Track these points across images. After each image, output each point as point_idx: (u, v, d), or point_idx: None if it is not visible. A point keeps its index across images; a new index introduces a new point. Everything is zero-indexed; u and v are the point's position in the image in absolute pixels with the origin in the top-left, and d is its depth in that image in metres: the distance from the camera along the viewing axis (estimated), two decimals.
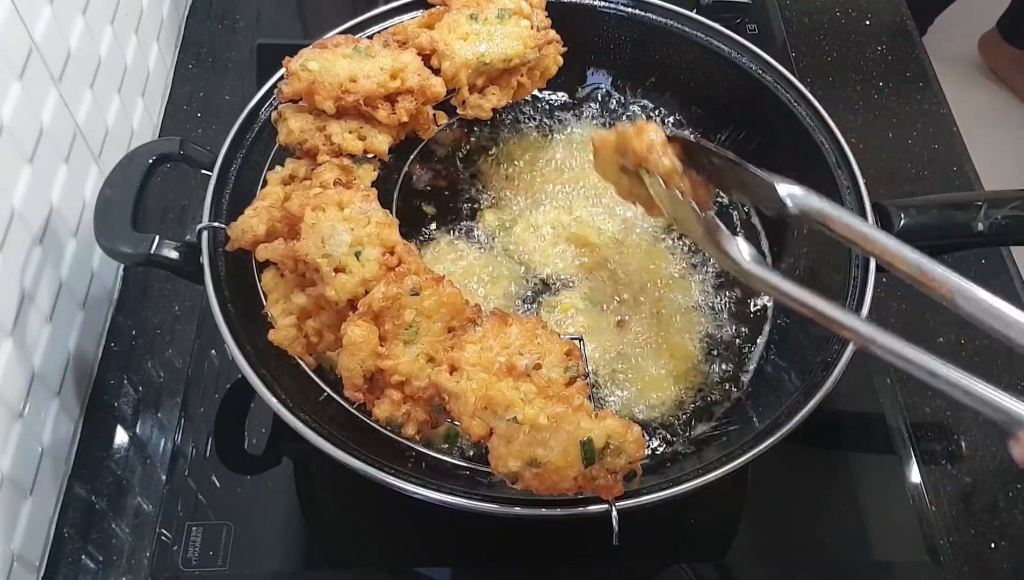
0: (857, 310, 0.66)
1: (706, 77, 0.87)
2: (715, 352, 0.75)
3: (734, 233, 0.82)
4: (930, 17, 1.97)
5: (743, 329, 0.77)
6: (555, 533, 0.71)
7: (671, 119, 0.91)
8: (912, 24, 1.14)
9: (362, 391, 0.62)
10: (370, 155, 0.72)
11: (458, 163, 0.87)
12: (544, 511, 0.57)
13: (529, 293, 0.78)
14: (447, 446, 0.69)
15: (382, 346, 0.61)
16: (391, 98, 0.71)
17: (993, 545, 0.72)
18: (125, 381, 0.80)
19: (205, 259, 0.67)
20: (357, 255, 0.62)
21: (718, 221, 0.63)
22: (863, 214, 0.71)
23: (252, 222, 0.66)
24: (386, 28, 0.80)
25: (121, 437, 0.77)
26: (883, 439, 0.78)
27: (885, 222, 0.70)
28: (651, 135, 0.65)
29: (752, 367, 0.75)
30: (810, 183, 0.78)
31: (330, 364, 0.68)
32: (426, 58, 0.74)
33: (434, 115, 0.75)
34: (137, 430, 0.77)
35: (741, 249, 0.61)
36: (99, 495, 0.74)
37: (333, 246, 0.62)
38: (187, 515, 0.72)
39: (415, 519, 0.70)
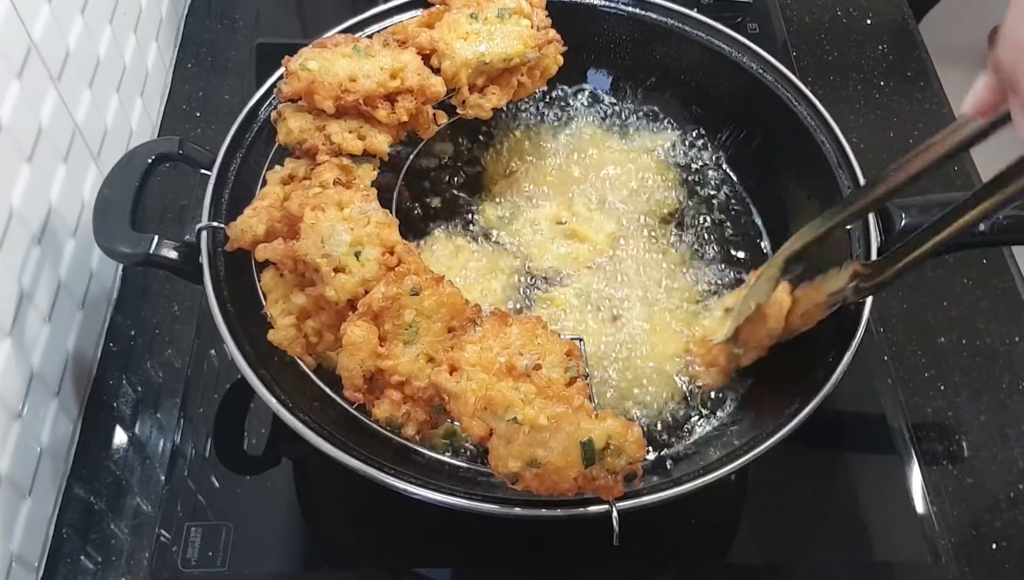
0: (858, 310, 0.66)
1: (707, 76, 0.87)
2: None
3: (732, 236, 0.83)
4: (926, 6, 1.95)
5: None
6: (555, 533, 0.71)
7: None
8: (913, 23, 1.14)
9: (362, 391, 0.62)
10: (370, 155, 0.72)
11: (459, 159, 0.87)
12: (544, 511, 0.57)
13: (524, 288, 0.78)
14: (447, 442, 0.69)
15: (382, 346, 0.61)
16: (391, 98, 0.71)
17: (994, 545, 0.72)
18: (124, 381, 0.80)
19: (204, 259, 0.67)
20: (357, 255, 0.62)
21: None
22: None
23: (251, 222, 0.66)
24: (386, 27, 0.80)
25: (120, 437, 0.77)
26: (884, 439, 0.78)
27: (886, 221, 0.70)
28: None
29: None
30: (811, 183, 0.79)
31: (330, 364, 0.68)
32: (426, 58, 0.74)
33: (434, 115, 0.75)
34: (136, 430, 0.77)
35: None
36: (98, 495, 0.74)
37: (333, 246, 0.61)
38: (186, 515, 0.71)
39: (415, 519, 0.70)
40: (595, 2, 0.87)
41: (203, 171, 0.73)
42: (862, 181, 0.73)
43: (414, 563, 0.71)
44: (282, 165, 0.72)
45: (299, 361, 0.66)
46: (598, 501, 0.56)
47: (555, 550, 0.71)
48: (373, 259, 0.62)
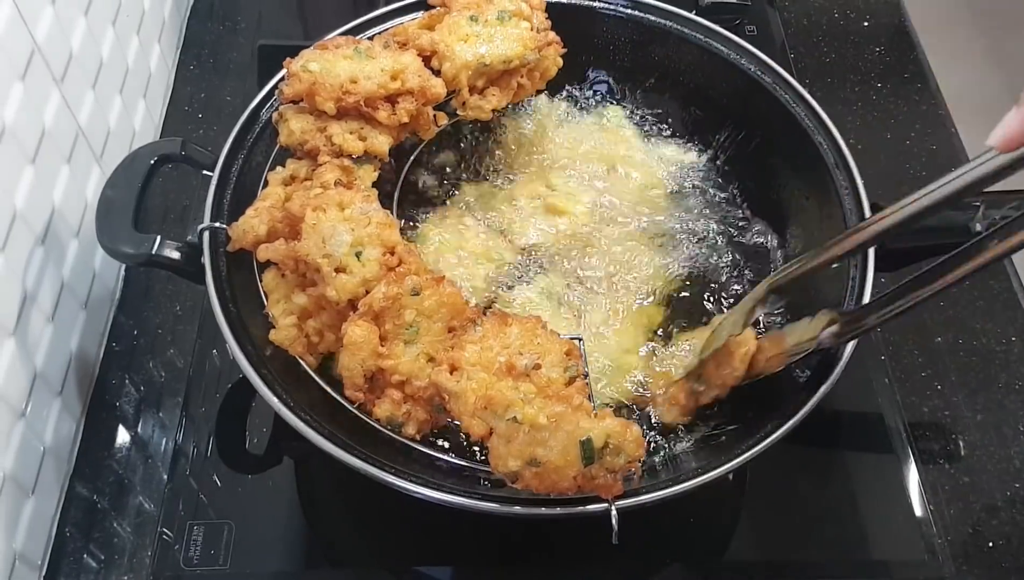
0: None
1: (705, 78, 0.87)
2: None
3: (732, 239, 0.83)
4: None
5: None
6: (555, 532, 0.71)
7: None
8: (911, 25, 1.14)
9: (363, 391, 0.62)
10: (371, 156, 0.72)
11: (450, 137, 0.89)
12: (544, 510, 0.58)
13: (503, 276, 0.79)
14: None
15: (382, 346, 0.61)
16: (391, 99, 0.72)
17: (991, 544, 0.72)
18: (127, 381, 0.80)
19: (206, 259, 0.67)
20: (358, 255, 0.62)
21: None
22: (861, 214, 0.71)
23: (253, 222, 0.67)
24: (387, 29, 0.81)
25: (123, 436, 0.77)
26: (881, 439, 0.78)
27: None
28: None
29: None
30: (809, 184, 0.79)
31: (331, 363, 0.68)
32: (427, 59, 0.75)
33: (434, 116, 0.75)
34: (139, 430, 0.78)
35: None
36: (101, 494, 0.74)
37: (334, 246, 0.62)
38: (188, 514, 0.72)
39: (415, 518, 0.70)
40: (594, 4, 0.88)
41: (205, 172, 0.73)
42: (859, 181, 0.73)
43: (415, 562, 0.71)
44: (284, 166, 0.72)
45: (300, 361, 0.67)
46: (597, 500, 0.57)
47: (555, 549, 0.71)
48: (374, 259, 0.63)
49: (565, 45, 0.81)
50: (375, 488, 0.58)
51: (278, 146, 0.74)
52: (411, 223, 0.83)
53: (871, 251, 0.69)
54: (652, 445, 0.69)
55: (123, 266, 0.88)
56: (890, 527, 0.73)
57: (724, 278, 0.80)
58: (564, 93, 0.92)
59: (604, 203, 0.83)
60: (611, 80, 0.92)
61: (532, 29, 0.78)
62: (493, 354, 0.60)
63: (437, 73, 0.74)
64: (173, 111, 1.02)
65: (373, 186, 0.71)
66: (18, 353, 0.67)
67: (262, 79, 0.95)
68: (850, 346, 0.64)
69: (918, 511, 0.74)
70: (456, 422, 0.59)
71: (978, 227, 0.69)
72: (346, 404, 0.65)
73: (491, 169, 0.87)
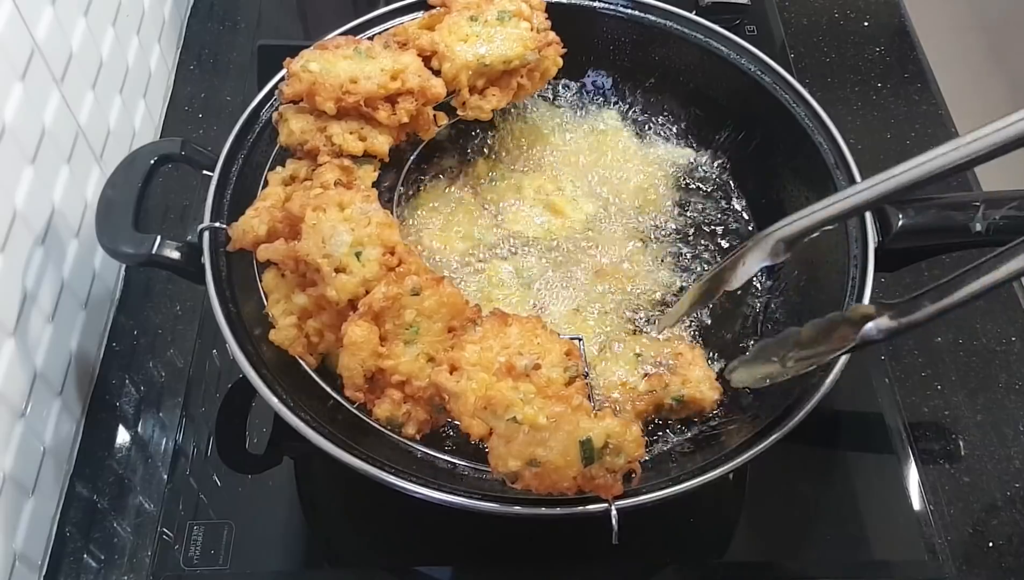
0: None
1: (705, 78, 0.87)
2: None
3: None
4: None
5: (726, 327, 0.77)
6: (555, 532, 0.71)
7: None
8: (911, 25, 1.14)
9: (363, 391, 0.62)
10: (371, 156, 0.72)
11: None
12: (544, 510, 0.58)
13: (484, 251, 0.80)
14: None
15: (382, 346, 0.61)
16: (391, 99, 0.72)
17: (991, 544, 0.72)
18: (127, 381, 0.80)
19: (206, 259, 0.67)
20: (358, 255, 0.62)
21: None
22: (861, 215, 0.71)
23: (253, 222, 0.67)
24: (387, 29, 0.81)
25: (123, 436, 0.77)
26: (881, 439, 0.78)
27: (883, 222, 0.71)
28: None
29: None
30: (808, 184, 0.79)
31: (331, 363, 0.68)
32: (427, 59, 0.75)
33: (434, 116, 0.75)
34: (139, 430, 0.78)
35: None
36: (101, 494, 0.74)
37: (334, 246, 0.62)
38: (188, 514, 0.72)
39: (415, 518, 0.70)
40: (594, 4, 0.88)
41: (205, 172, 0.73)
42: (859, 181, 0.73)
43: (415, 561, 0.71)
44: (283, 166, 0.73)
45: (300, 361, 0.67)
46: (597, 500, 0.57)
47: (554, 549, 0.71)
48: (374, 259, 0.63)
49: (565, 45, 0.81)
50: (375, 488, 0.58)
51: (278, 146, 0.74)
52: (416, 187, 0.84)
53: (871, 251, 0.69)
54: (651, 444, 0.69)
55: (123, 266, 0.88)
56: (890, 527, 0.73)
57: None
58: (577, 93, 0.93)
59: (603, 213, 0.83)
60: (611, 80, 0.92)
61: (532, 29, 0.78)
62: (493, 354, 0.60)
63: (437, 73, 0.74)
64: (173, 111, 1.02)
65: (373, 186, 0.71)
66: (18, 353, 0.67)
67: (262, 79, 0.95)
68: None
69: (918, 511, 0.74)
70: (456, 422, 0.59)
71: (978, 227, 0.69)
72: (346, 404, 0.65)
73: (508, 154, 0.88)
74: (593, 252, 0.80)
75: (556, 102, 0.92)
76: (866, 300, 0.67)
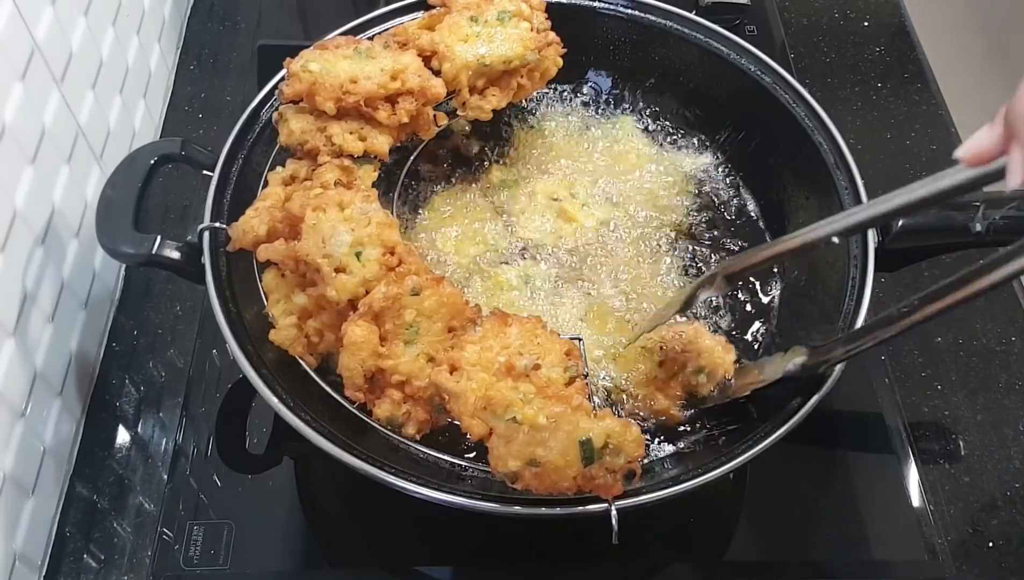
0: (855, 311, 0.67)
1: (705, 78, 0.87)
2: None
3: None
4: None
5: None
6: (555, 532, 0.71)
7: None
8: (911, 25, 1.14)
9: (363, 391, 0.62)
10: (371, 156, 0.72)
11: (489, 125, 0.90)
12: (544, 510, 0.58)
13: (499, 253, 0.80)
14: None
15: (383, 346, 0.61)
16: (392, 99, 0.72)
17: (991, 544, 0.73)
18: (127, 381, 0.80)
19: (206, 259, 0.67)
20: (358, 255, 0.62)
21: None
22: None
23: (253, 222, 0.67)
24: (387, 29, 0.81)
25: (123, 437, 0.77)
26: (882, 439, 0.78)
27: (883, 224, 0.71)
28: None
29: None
30: (809, 184, 0.79)
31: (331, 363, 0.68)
32: (427, 59, 0.75)
33: (434, 116, 0.75)
34: (139, 430, 0.78)
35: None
36: (101, 494, 0.74)
37: (334, 246, 0.62)
38: (188, 514, 0.72)
39: (415, 518, 0.70)
40: (594, 4, 0.88)
41: (205, 172, 0.73)
42: (859, 181, 0.73)
43: (414, 561, 0.71)
44: (283, 166, 0.73)
45: (300, 361, 0.67)
46: (597, 500, 0.57)
47: (555, 549, 0.71)
48: (374, 259, 0.63)
49: (565, 45, 0.81)
50: (375, 488, 0.58)
51: (278, 146, 0.74)
52: (428, 190, 0.85)
53: (871, 252, 0.69)
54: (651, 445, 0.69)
55: (123, 266, 0.88)
56: (890, 527, 0.73)
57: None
58: (589, 99, 0.93)
59: (613, 218, 0.83)
60: (611, 80, 0.92)
61: (532, 29, 0.78)
62: (493, 354, 0.60)
63: (437, 73, 0.74)
64: (173, 111, 1.02)
65: (373, 186, 0.71)
66: (18, 353, 0.67)
67: (262, 79, 0.95)
68: (864, 307, 0.64)
69: (918, 511, 0.74)
70: (456, 422, 0.59)
71: (978, 227, 0.69)
72: (346, 404, 0.65)
73: (521, 159, 0.88)
74: (603, 257, 0.80)
75: (570, 107, 0.92)
76: (866, 300, 0.67)
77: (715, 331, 0.76)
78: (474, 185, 0.86)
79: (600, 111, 0.92)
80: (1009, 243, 0.83)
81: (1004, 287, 0.88)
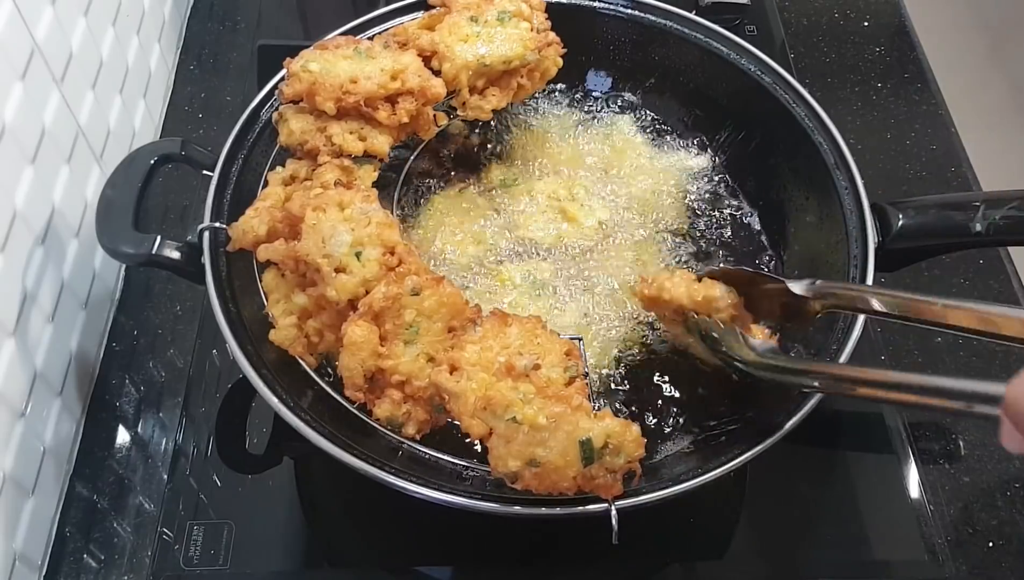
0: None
1: (705, 78, 0.87)
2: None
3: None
4: None
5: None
6: (555, 532, 0.72)
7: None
8: (911, 25, 1.14)
9: (363, 391, 0.62)
10: (371, 156, 0.72)
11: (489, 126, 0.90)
12: (544, 510, 0.58)
13: (499, 253, 0.80)
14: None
15: (382, 346, 0.61)
16: (392, 99, 0.72)
17: (991, 544, 0.73)
18: (127, 381, 0.80)
19: (206, 259, 0.67)
20: (358, 255, 0.62)
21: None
22: (861, 215, 0.71)
23: (253, 222, 0.67)
24: (387, 29, 0.81)
25: (123, 437, 0.77)
26: (882, 439, 0.78)
27: (883, 222, 0.71)
28: (716, 292, 0.65)
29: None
30: (809, 184, 0.79)
31: (331, 362, 0.68)
32: (427, 59, 0.75)
33: (434, 116, 0.75)
34: (139, 430, 0.78)
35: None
36: (101, 494, 0.74)
37: (334, 246, 0.62)
38: (188, 514, 0.72)
39: (415, 518, 0.70)
40: (594, 4, 0.88)
41: (205, 172, 0.73)
42: (859, 181, 0.73)
43: (414, 561, 0.71)
44: (283, 166, 0.73)
45: (300, 361, 0.67)
46: (597, 500, 0.57)
47: (555, 549, 0.71)
48: (374, 259, 0.63)
49: (565, 45, 0.81)
50: (375, 488, 0.58)
51: (278, 146, 0.74)
52: (428, 190, 0.85)
53: (871, 252, 0.69)
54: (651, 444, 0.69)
55: (123, 266, 0.88)
56: (890, 527, 0.73)
57: None
58: (590, 99, 0.93)
59: (615, 219, 0.83)
60: (611, 80, 0.92)
61: (532, 29, 0.78)
62: (493, 354, 0.60)
63: (437, 73, 0.74)
64: (173, 111, 1.02)
65: (373, 186, 0.71)
66: (18, 353, 0.67)
67: (262, 79, 0.95)
68: (851, 345, 0.64)
69: (918, 511, 0.74)
70: (456, 422, 0.59)
71: (978, 227, 0.69)
72: (346, 404, 0.65)
73: (522, 159, 0.88)
74: (603, 257, 0.80)
75: (569, 107, 0.92)
76: None
77: None
78: (474, 185, 0.86)
79: (600, 111, 0.92)
80: (1009, 243, 0.83)
81: (1004, 287, 0.88)
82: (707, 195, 0.86)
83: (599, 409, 0.58)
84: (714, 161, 0.88)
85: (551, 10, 0.81)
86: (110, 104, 0.87)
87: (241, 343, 0.64)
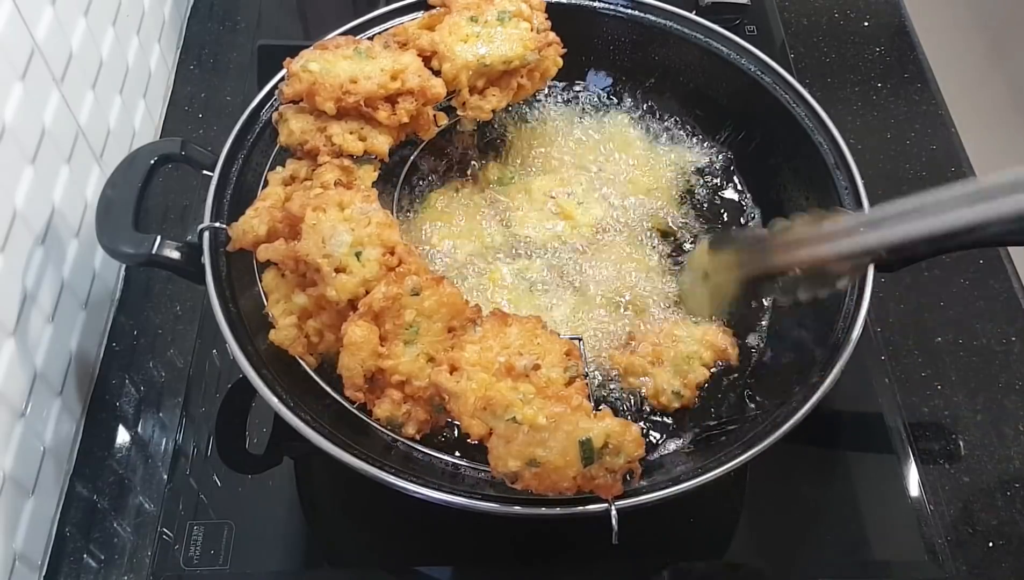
0: (855, 311, 0.67)
1: (705, 78, 0.87)
2: None
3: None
4: None
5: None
6: (555, 532, 0.72)
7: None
8: (911, 25, 1.14)
9: (363, 391, 0.62)
10: (371, 156, 0.72)
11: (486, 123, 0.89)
12: (543, 510, 0.58)
13: (495, 251, 0.80)
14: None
15: (382, 346, 0.61)
16: (391, 99, 0.72)
17: (991, 544, 0.72)
18: (127, 381, 0.80)
19: (206, 259, 0.67)
20: (358, 255, 0.62)
21: None
22: None
23: (253, 222, 0.67)
24: (387, 29, 0.81)
25: (123, 437, 0.77)
26: (882, 439, 0.78)
27: None
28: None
29: (750, 366, 0.75)
30: (809, 184, 0.79)
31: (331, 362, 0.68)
32: (427, 60, 0.75)
33: (434, 116, 0.75)
34: (139, 430, 0.78)
35: None
36: (101, 494, 0.74)
37: (334, 246, 0.62)
38: (188, 514, 0.72)
39: (415, 518, 0.70)
40: (594, 4, 0.88)
41: (205, 172, 0.73)
42: (859, 182, 0.73)
43: (414, 561, 0.71)
44: (283, 166, 0.72)
45: (300, 361, 0.67)
46: (597, 500, 0.57)
47: (554, 549, 0.71)
48: (374, 259, 0.63)
49: (565, 45, 0.81)
50: (375, 488, 0.58)
51: (278, 146, 0.74)
52: (425, 188, 0.85)
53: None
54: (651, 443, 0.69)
55: (123, 266, 0.88)
56: (890, 527, 0.73)
57: None
58: (587, 97, 0.93)
59: (611, 218, 0.83)
60: (611, 80, 0.92)
61: (532, 29, 0.78)
62: (493, 354, 0.60)
63: (437, 73, 0.74)
64: (173, 111, 1.02)
65: (373, 186, 0.71)
66: (18, 353, 0.67)
67: (262, 79, 0.95)
68: (850, 346, 0.64)
69: (918, 511, 0.74)
70: (456, 422, 0.59)
71: None
72: (346, 404, 0.65)
73: (519, 157, 0.88)
74: (600, 256, 0.81)
75: (567, 106, 0.92)
76: (866, 300, 0.67)
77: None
78: (471, 183, 0.86)
79: (599, 110, 0.92)
80: (1009, 243, 0.83)
81: (1004, 287, 0.88)
82: (706, 195, 0.86)
83: (598, 409, 0.58)
84: (713, 161, 0.88)
85: (551, 10, 0.81)
86: (110, 104, 0.87)
87: (241, 343, 0.64)
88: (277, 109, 0.74)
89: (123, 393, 0.80)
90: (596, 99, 0.92)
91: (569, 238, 0.81)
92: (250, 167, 0.75)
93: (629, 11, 0.87)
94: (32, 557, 0.69)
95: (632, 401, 0.72)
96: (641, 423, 0.71)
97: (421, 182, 0.86)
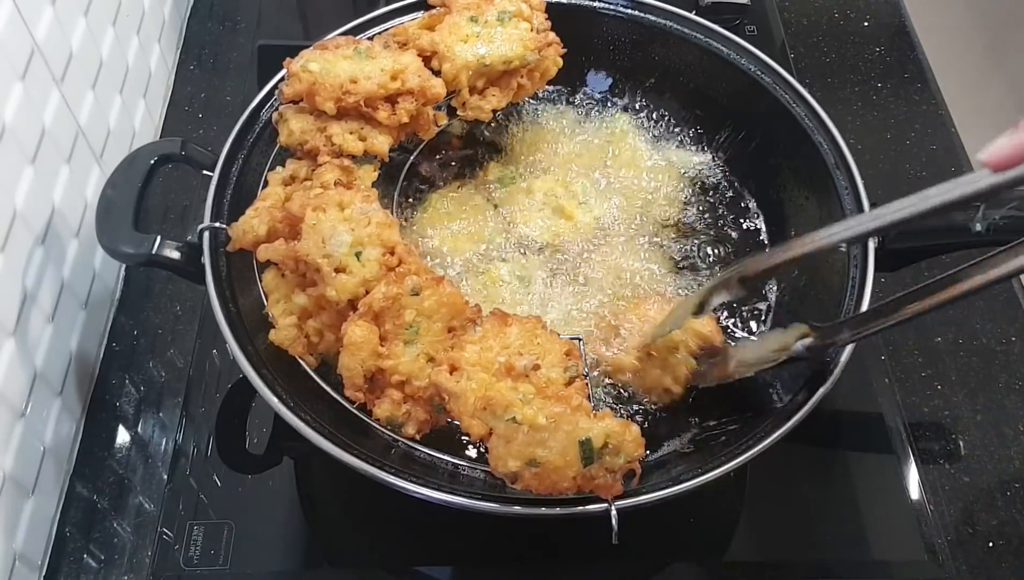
0: (855, 311, 0.67)
1: (705, 78, 0.87)
2: None
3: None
4: None
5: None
6: (554, 532, 0.72)
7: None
8: (911, 25, 1.14)
9: (363, 391, 0.62)
10: (371, 156, 0.72)
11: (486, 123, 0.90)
12: (543, 510, 0.58)
13: (496, 251, 0.81)
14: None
15: (382, 346, 0.61)
16: (391, 99, 0.72)
17: (991, 544, 0.73)
18: (127, 381, 0.80)
19: (206, 259, 0.67)
20: (358, 255, 0.62)
21: None
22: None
23: (253, 222, 0.67)
24: (387, 29, 0.81)
25: (123, 437, 0.77)
26: (881, 439, 0.78)
27: None
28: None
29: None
30: (808, 184, 0.79)
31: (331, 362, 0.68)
32: (427, 60, 0.75)
33: (434, 116, 0.75)
34: (139, 430, 0.78)
35: None
36: (101, 494, 0.74)
37: (334, 246, 0.62)
38: (188, 514, 0.72)
39: (415, 518, 0.70)
40: (594, 4, 0.88)
41: (205, 172, 0.73)
42: (859, 182, 0.73)
43: (414, 562, 0.71)
44: (283, 166, 0.73)
45: (300, 361, 0.67)
46: (597, 500, 0.57)
47: (555, 549, 0.71)
48: (374, 259, 0.63)
49: (565, 45, 0.81)
50: (375, 488, 0.58)
51: (278, 146, 0.74)
52: (426, 188, 0.85)
53: (871, 252, 0.69)
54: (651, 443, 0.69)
55: (123, 266, 0.88)
56: (890, 527, 0.73)
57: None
58: (588, 97, 0.93)
59: (612, 218, 0.83)
60: (611, 80, 0.92)
61: (532, 30, 0.78)
62: (493, 354, 0.60)
63: (437, 73, 0.74)
64: (173, 111, 1.02)
65: (373, 186, 0.71)
66: (18, 353, 0.67)
67: (262, 79, 0.95)
68: (849, 346, 0.64)
69: (918, 511, 0.74)
70: (456, 422, 0.59)
71: (978, 227, 0.69)
72: (346, 404, 0.65)
73: (519, 156, 0.88)
74: (600, 255, 0.81)
75: (567, 106, 0.92)
76: (866, 300, 0.67)
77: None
78: (472, 183, 0.86)
79: (599, 110, 0.92)
80: (1009, 243, 0.83)
81: (1004, 287, 0.88)
82: (706, 195, 0.86)
83: (597, 409, 0.58)
84: (714, 161, 0.88)
85: (551, 10, 0.81)
86: (110, 104, 0.87)
87: (241, 343, 0.64)
88: (277, 109, 0.74)
89: (123, 393, 0.80)
90: (597, 100, 0.93)
91: (569, 238, 0.81)
92: (250, 167, 0.75)
93: (629, 11, 0.87)
94: (32, 557, 0.69)
95: (625, 397, 0.72)
96: (640, 423, 0.71)
97: (421, 182, 0.86)
